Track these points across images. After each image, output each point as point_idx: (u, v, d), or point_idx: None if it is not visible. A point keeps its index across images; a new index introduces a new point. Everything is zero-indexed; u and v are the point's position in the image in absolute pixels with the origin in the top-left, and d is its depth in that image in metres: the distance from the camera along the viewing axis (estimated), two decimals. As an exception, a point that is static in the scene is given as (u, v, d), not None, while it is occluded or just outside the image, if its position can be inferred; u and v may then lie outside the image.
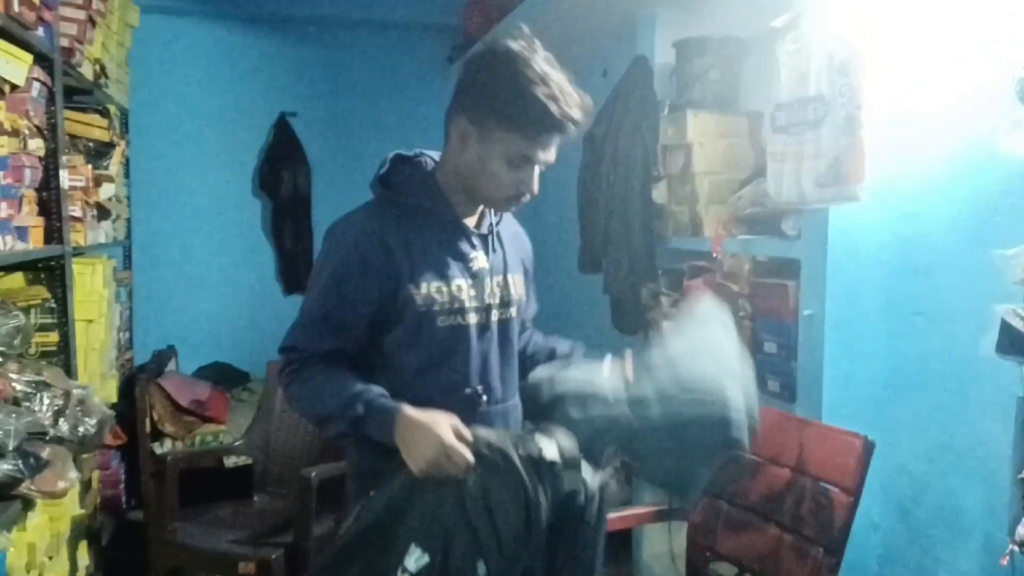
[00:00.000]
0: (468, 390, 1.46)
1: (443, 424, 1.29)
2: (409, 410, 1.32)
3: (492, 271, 1.50)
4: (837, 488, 1.70)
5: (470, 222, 1.50)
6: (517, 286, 1.54)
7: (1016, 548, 1.43)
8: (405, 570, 1.26)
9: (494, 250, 1.52)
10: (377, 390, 1.38)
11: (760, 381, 2.21)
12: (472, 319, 1.46)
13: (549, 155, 1.41)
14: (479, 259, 1.48)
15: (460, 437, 1.29)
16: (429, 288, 1.42)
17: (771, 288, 2.14)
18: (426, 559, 1.27)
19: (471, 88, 1.40)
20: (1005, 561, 1.48)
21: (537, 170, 1.43)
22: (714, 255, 2.35)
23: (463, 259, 1.46)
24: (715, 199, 2.49)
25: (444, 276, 1.43)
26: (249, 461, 3.05)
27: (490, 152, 1.38)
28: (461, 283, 1.45)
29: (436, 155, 1.52)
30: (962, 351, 1.77)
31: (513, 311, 1.53)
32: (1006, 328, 1.42)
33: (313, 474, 2.56)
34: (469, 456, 1.28)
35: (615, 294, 2.81)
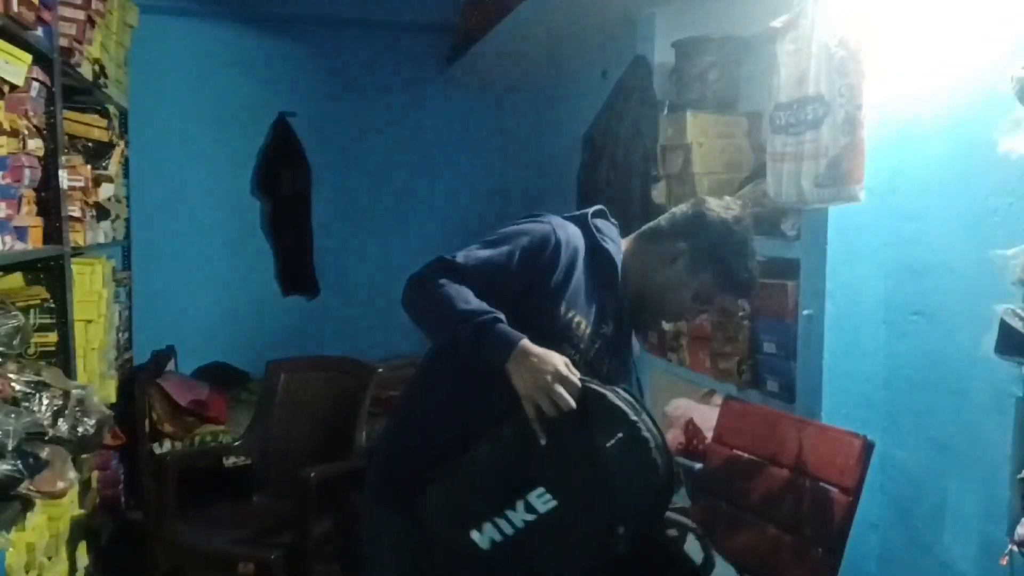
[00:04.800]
0: None
1: (559, 357, 1.40)
2: (528, 342, 1.41)
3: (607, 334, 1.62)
4: (836, 488, 1.70)
5: None
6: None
7: (1015, 548, 1.44)
8: (529, 506, 1.36)
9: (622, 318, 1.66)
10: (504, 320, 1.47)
11: (759, 381, 2.22)
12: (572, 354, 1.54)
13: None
14: (610, 326, 1.61)
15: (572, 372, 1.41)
16: (573, 316, 1.54)
17: (770, 288, 2.14)
18: (553, 503, 1.36)
19: (698, 238, 1.59)
20: (1004, 561, 1.48)
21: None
22: (713, 255, 2.35)
23: (602, 312, 1.59)
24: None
25: (587, 316, 1.56)
26: (248, 461, 3.05)
27: (687, 282, 1.60)
28: (584, 324, 1.57)
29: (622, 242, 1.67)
30: (961, 351, 1.77)
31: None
32: (1005, 328, 1.42)
33: (312, 474, 2.56)
34: (577, 383, 1.38)
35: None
